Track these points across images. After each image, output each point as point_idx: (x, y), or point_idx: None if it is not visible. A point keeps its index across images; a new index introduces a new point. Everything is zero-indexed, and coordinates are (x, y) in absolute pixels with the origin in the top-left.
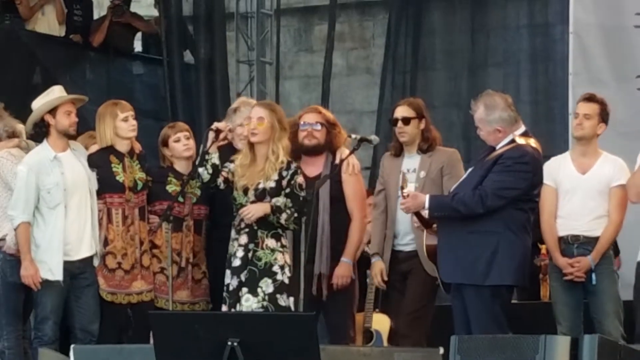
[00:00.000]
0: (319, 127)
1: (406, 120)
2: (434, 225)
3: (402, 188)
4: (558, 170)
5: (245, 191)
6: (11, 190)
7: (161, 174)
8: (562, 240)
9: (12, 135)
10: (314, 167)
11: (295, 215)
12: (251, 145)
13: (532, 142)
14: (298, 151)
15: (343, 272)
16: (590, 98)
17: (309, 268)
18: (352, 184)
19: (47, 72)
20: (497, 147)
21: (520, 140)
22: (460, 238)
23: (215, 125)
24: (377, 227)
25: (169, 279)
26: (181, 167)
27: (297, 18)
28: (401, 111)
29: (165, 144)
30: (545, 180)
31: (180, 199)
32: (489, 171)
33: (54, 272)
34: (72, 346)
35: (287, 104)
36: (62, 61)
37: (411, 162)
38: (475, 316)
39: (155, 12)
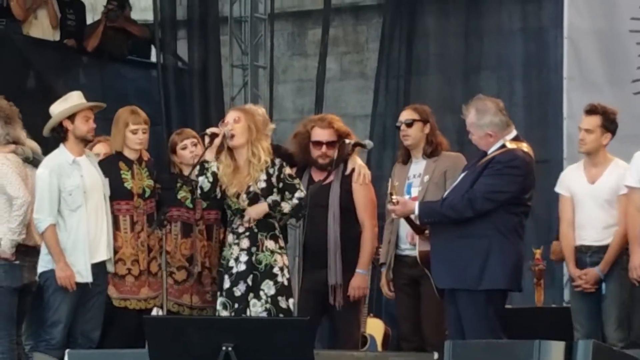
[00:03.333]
0: (332, 142)
1: (409, 123)
2: (426, 232)
3: (391, 194)
4: (571, 180)
5: (237, 197)
6: (5, 194)
7: (171, 180)
8: (576, 249)
9: (13, 142)
10: (325, 174)
11: (297, 202)
12: (231, 153)
13: (524, 146)
14: (309, 162)
15: (359, 283)
16: (590, 110)
17: (316, 275)
18: (363, 194)
19: (41, 76)
20: (489, 152)
21: (511, 145)
22: (453, 243)
23: (210, 130)
24: (387, 236)
25: (178, 282)
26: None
27: (291, 22)
28: (405, 115)
29: (174, 150)
30: (560, 190)
31: (189, 204)
32: (480, 175)
33: (83, 275)
34: (67, 351)
35: (280, 108)
36: (55, 66)
37: (417, 167)
38: (469, 321)
39: (149, 17)
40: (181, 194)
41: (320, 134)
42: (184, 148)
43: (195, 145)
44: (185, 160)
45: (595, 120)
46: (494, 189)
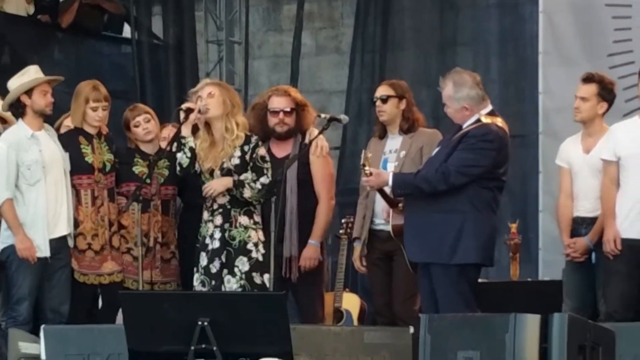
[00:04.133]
0: (289, 111)
1: (384, 99)
2: (400, 205)
3: (364, 166)
4: (568, 152)
5: (212, 173)
6: None
7: (128, 155)
8: (573, 220)
9: None
10: (284, 148)
11: (259, 188)
12: (207, 127)
13: (499, 121)
14: (268, 134)
15: (310, 254)
16: (587, 79)
17: (279, 249)
18: (320, 166)
19: (16, 52)
20: (464, 126)
21: (486, 119)
22: (426, 217)
23: (185, 105)
24: (361, 211)
25: (137, 259)
26: (147, 148)
27: None
28: (380, 90)
29: (128, 127)
30: (559, 162)
31: (147, 180)
32: (454, 149)
33: (42, 249)
34: (42, 326)
35: (256, 84)
36: (30, 42)
37: (393, 143)
38: (442, 295)
39: None
40: (138, 169)
41: (277, 101)
42: (137, 125)
43: (148, 121)
44: (139, 137)
45: (591, 89)
46: (467, 163)
